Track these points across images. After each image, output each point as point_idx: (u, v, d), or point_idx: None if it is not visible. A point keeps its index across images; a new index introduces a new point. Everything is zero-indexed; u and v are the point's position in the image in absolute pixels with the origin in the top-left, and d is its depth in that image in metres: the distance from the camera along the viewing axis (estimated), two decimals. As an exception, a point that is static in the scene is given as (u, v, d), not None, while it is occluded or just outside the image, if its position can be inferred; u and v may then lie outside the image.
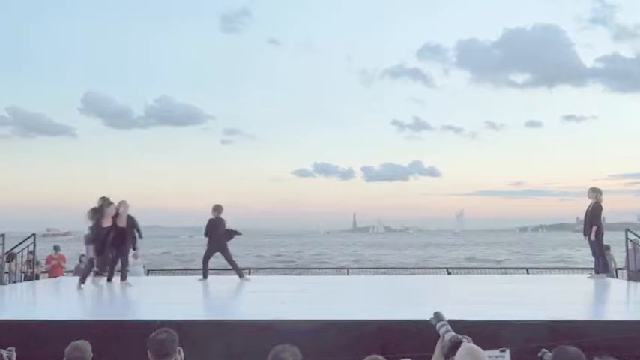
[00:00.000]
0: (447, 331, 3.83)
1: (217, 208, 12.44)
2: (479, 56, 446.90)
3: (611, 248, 14.26)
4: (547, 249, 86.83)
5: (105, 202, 11.36)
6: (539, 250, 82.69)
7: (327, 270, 21.46)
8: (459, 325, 5.81)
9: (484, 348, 4.59)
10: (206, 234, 12.41)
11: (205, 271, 12.53)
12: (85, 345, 4.12)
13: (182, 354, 4.17)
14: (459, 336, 3.74)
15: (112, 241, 11.45)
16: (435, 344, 4.20)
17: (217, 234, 12.31)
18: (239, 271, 12.55)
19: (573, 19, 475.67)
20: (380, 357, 3.77)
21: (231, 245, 12.49)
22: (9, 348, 4.76)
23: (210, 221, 12.40)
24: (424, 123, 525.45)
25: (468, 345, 3.54)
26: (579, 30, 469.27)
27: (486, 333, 5.67)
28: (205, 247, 12.49)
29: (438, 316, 4.02)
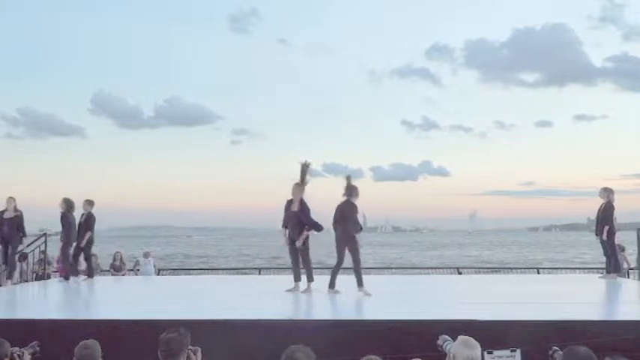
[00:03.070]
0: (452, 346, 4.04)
1: (91, 203, 12.47)
2: (487, 56, 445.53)
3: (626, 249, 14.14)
4: (565, 249, 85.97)
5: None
6: (559, 250, 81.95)
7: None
8: (470, 326, 5.82)
9: (495, 348, 4.59)
10: (88, 229, 12.23)
11: (90, 270, 12.57)
12: (94, 344, 4.11)
13: (199, 355, 4.16)
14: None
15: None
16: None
17: (91, 228, 12.33)
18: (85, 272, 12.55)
19: (582, 18, 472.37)
20: (374, 357, 3.77)
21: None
22: (31, 344, 4.78)
23: (87, 216, 12.36)
24: (433, 123, 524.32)
25: (462, 337, 3.88)
26: (589, 29, 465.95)
27: (497, 333, 5.66)
28: (72, 243, 12.30)
29: (442, 338, 4.44)
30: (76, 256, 12.29)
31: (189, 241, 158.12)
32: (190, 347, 4.10)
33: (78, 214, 12.45)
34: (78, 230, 12.19)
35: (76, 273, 12.23)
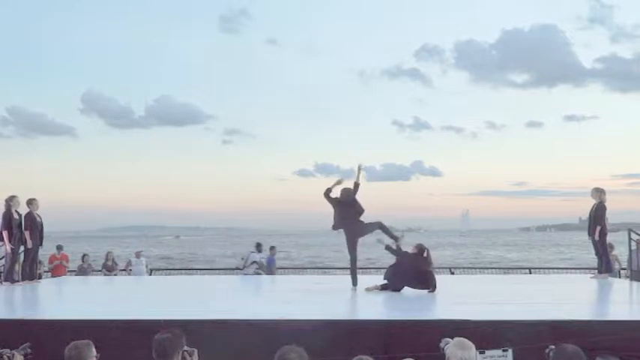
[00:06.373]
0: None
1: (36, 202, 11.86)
2: (477, 57, 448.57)
3: (615, 248, 14.18)
4: (557, 249, 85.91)
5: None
6: (551, 251, 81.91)
7: (331, 270, 21.41)
8: (462, 326, 5.83)
9: (487, 348, 4.61)
10: (26, 228, 11.53)
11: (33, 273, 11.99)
12: (86, 345, 4.05)
13: (195, 356, 4.12)
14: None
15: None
16: (437, 345, 4.28)
17: (38, 229, 11.79)
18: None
19: (571, 19, 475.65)
20: (365, 357, 3.77)
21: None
22: (23, 346, 4.74)
23: (31, 215, 11.72)
24: (424, 123, 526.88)
25: (458, 338, 3.93)
26: (578, 30, 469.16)
27: (489, 333, 5.67)
28: (28, 245, 11.62)
29: (444, 341, 4.38)
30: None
31: (177, 242, 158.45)
32: (186, 348, 4.07)
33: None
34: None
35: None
